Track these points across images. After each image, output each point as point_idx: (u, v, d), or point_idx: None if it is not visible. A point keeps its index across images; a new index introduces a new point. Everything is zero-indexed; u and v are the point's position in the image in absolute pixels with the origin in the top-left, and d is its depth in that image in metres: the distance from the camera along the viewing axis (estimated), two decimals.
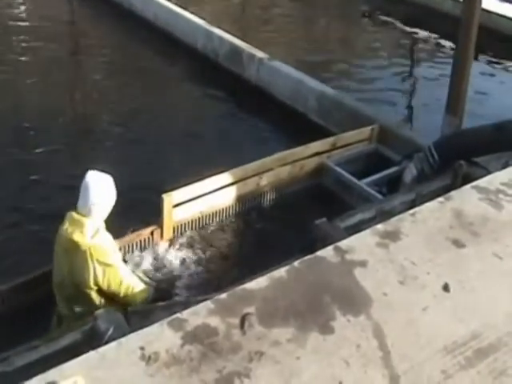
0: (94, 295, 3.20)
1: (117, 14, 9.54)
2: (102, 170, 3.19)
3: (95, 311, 2.97)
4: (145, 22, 9.16)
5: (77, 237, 3.09)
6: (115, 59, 8.20)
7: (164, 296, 3.42)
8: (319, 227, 3.83)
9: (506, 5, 10.00)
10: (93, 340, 2.72)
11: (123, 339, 2.32)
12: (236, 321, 2.45)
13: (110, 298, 3.22)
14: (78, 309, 3.24)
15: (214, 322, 2.43)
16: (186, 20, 8.55)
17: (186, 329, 2.39)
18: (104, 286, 3.16)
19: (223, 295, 2.60)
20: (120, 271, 3.18)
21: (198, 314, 2.47)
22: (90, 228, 3.10)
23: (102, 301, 3.22)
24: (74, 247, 3.10)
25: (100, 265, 3.11)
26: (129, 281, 3.21)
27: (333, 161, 5.07)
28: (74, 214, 3.13)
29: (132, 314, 3.07)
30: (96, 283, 3.15)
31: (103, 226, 3.22)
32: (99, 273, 3.12)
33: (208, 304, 2.54)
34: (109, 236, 3.26)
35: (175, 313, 2.51)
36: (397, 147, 5.35)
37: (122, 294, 3.20)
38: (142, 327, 2.42)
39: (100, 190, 3.11)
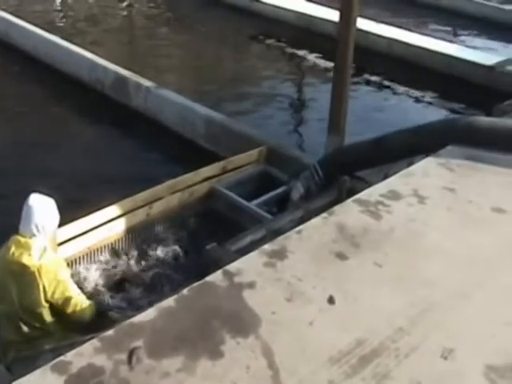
0: (46, 314, 3.25)
1: None
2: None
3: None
4: (25, 55, 8.87)
5: (25, 259, 3.15)
6: None
7: (104, 314, 3.51)
8: (210, 252, 3.86)
9: (382, 25, 10.65)
10: None
11: None
12: (123, 357, 2.40)
13: (61, 314, 3.30)
14: (29, 332, 3.26)
15: (100, 360, 2.37)
16: (70, 52, 8.38)
17: (71, 371, 2.31)
18: (54, 301, 3.23)
19: (109, 332, 2.54)
20: (69, 287, 3.27)
21: (83, 355, 2.40)
22: (37, 249, 3.17)
23: (54, 319, 3.29)
24: (22, 270, 3.16)
25: (50, 282, 3.18)
26: (77, 297, 3.31)
27: (222, 185, 5.11)
28: (20, 238, 3.19)
29: (15, 362, 2.93)
30: (47, 300, 3.21)
31: (48, 245, 3.29)
32: (49, 289, 3.19)
33: (94, 342, 2.48)
34: (56, 254, 3.40)
35: (61, 355, 2.43)
36: (284, 167, 5.49)
37: (70, 310, 3.27)
38: (25, 374, 2.32)
39: (43, 211, 3.20)
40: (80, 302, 3.31)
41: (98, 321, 3.34)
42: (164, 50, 10.18)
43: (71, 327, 3.37)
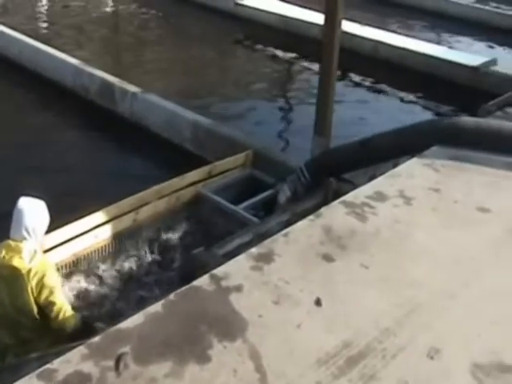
0: (37, 316, 3.27)
1: None
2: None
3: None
4: (9, 61, 8.81)
5: (16, 262, 3.18)
6: None
7: (89, 325, 3.46)
8: (197, 256, 3.85)
9: (367, 27, 10.69)
10: None
11: None
12: (110, 363, 2.39)
13: (47, 319, 3.30)
14: (24, 334, 3.29)
15: (87, 367, 2.36)
16: (54, 58, 8.33)
17: (57, 379, 2.30)
18: (41, 303, 3.24)
19: (96, 338, 2.53)
20: (55, 292, 3.27)
21: (70, 362, 2.39)
22: (28, 252, 3.19)
23: (46, 321, 3.30)
24: (14, 272, 3.18)
25: (36, 285, 3.20)
26: (62, 304, 3.31)
27: (209, 189, 5.10)
28: (10, 242, 3.23)
29: (3, 369, 2.90)
30: (35, 302, 3.23)
31: (39, 248, 3.32)
32: (36, 291, 3.21)
33: (81, 349, 2.47)
34: (46, 258, 3.43)
35: (47, 363, 2.42)
36: (271, 171, 5.50)
37: (53, 315, 3.27)
38: (11, 382, 2.31)
39: (33, 214, 3.23)
40: (64, 309, 3.30)
41: (84, 331, 3.30)
42: (149, 55, 10.16)
43: (56, 336, 3.35)
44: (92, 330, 3.31)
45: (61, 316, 3.28)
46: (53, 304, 3.26)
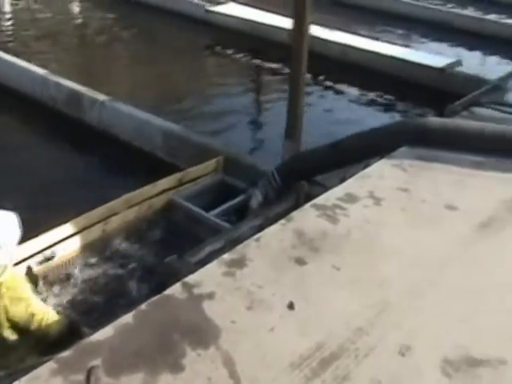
0: (8, 332, 3.14)
1: None
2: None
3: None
4: None
5: None
6: None
7: (76, 328, 3.38)
8: (169, 264, 3.82)
9: (336, 32, 10.79)
10: None
11: None
12: (81, 377, 2.35)
13: (25, 332, 3.18)
14: None
15: (57, 383, 2.32)
16: (19, 68, 8.22)
17: None
18: (16, 321, 3.12)
19: (66, 352, 2.49)
20: (32, 304, 3.16)
21: (39, 378, 2.34)
22: None
23: (16, 337, 3.17)
24: None
25: (11, 301, 3.07)
26: (42, 313, 3.19)
27: (180, 196, 5.07)
28: None
29: None
30: (8, 319, 3.10)
31: (10, 263, 3.18)
32: (11, 308, 3.08)
33: (50, 365, 2.42)
34: (17, 272, 3.28)
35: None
36: (242, 176, 5.49)
37: (34, 326, 3.16)
38: None
39: (3, 228, 3.08)
40: (45, 317, 3.21)
41: (71, 335, 3.24)
42: (120, 63, 10.11)
43: (37, 344, 3.28)
44: (79, 334, 3.24)
45: (43, 325, 3.19)
46: (32, 315, 3.16)
